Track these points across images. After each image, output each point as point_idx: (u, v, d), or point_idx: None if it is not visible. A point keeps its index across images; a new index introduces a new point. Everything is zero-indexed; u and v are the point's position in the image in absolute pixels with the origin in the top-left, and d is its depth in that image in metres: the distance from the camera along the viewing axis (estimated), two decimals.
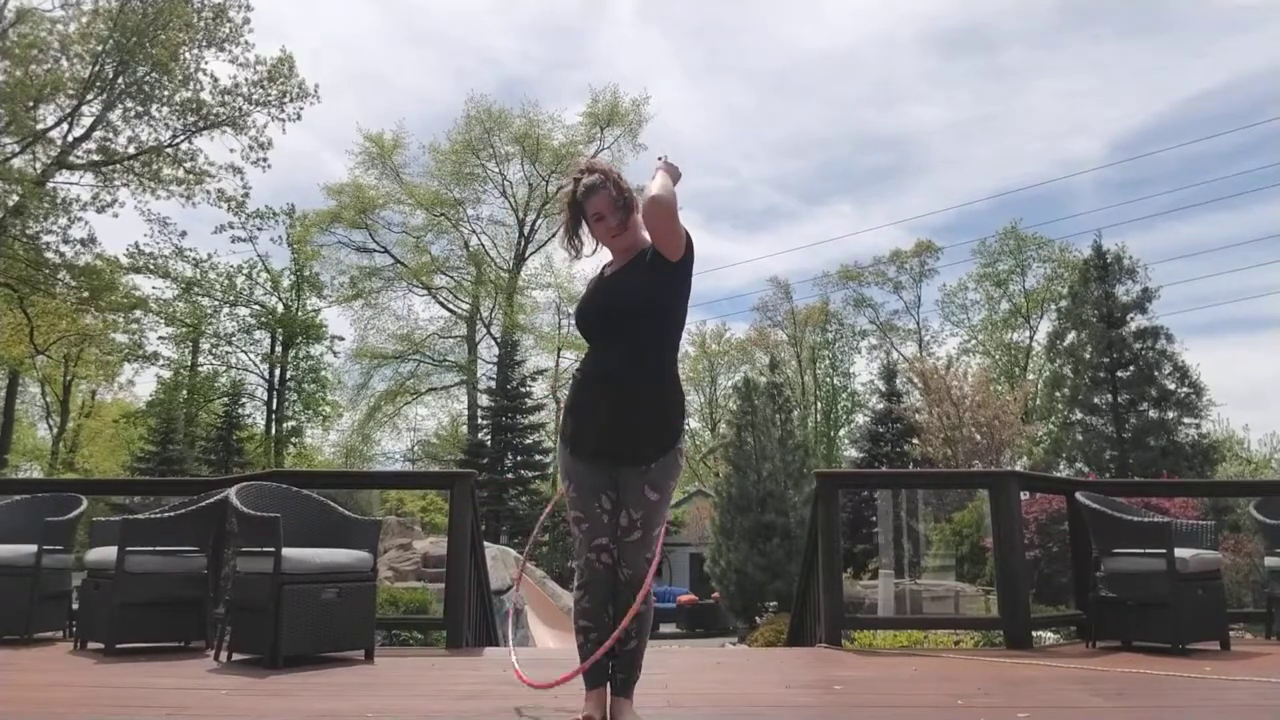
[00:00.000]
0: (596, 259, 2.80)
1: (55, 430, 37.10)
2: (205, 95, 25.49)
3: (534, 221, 38.20)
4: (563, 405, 2.72)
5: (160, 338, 33.91)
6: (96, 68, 23.79)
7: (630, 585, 2.62)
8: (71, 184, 24.14)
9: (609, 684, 2.67)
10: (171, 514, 4.54)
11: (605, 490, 2.61)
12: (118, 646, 4.26)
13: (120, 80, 24.17)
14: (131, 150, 24.79)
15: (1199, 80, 57.18)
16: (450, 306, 38.63)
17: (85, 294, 24.50)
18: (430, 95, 55.77)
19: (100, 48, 23.63)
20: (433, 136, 53.20)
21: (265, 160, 26.39)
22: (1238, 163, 61.87)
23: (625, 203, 2.61)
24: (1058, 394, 27.32)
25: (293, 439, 38.14)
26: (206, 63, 25.54)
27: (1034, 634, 5.07)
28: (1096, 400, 25.31)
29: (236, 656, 4.09)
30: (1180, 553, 4.41)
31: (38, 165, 23.37)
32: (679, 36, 55.30)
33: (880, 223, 64.41)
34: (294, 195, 57.37)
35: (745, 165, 61.08)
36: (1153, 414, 24.59)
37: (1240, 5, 46.82)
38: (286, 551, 3.92)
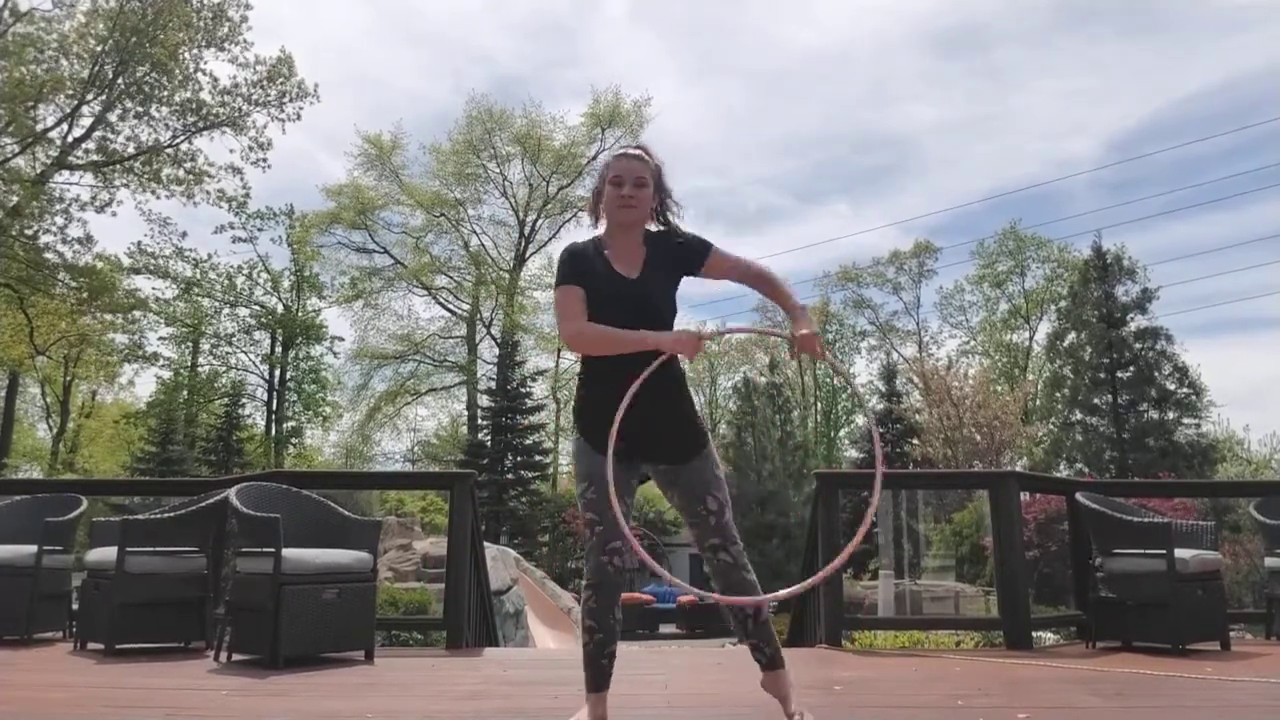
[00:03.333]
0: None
1: (55, 430, 37.08)
2: (205, 95, 25.57)
3: (535, 222, 38.20)
4: (580, 401, 2.70)
5: (160, 338, 34.05)
6: (96, 68, 23.79)
7: (739, 565, 2.66)
8: (71, 184, 24.18)
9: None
10: (171, 514, 4.53)
11: (625, 494, 2.61)
12: (118, 647, 4.26)
13: (120, 80, 24.18)
14: (131, 150, 24.81)
15: (1196, 80, 57.24)
16: (450, 307, 38.64)
17: (85, 294, 24.51)
18: (425, 95, 55.84)
19: (100, 47, 23.64)
20: (429, 137, 53.50)
21: (265, 161, 26.46)
22: (1235, 163, 61.86)
23: (650, 183, 2.69)
24: (1057, 394, 27.31)
25: (293, 439, 38.16)
26: (206, 63, 25.62)
27: (1034, 634, 5.07)
28: (1096, 401, 25.29)
29: (236, 657, 4.09)
30: (1180, 553, 4.41)
31: (37, 165, 23.37)
32: (673, 36, 55.38)
33: (877, 223, 64.52)
34: (289, 196, 57.20)
35: (741, 165, 61.13)
36: (1152, 414, 24.57)
37: (1238, 5, 46.89)
38: (286, 552, 3.92)
